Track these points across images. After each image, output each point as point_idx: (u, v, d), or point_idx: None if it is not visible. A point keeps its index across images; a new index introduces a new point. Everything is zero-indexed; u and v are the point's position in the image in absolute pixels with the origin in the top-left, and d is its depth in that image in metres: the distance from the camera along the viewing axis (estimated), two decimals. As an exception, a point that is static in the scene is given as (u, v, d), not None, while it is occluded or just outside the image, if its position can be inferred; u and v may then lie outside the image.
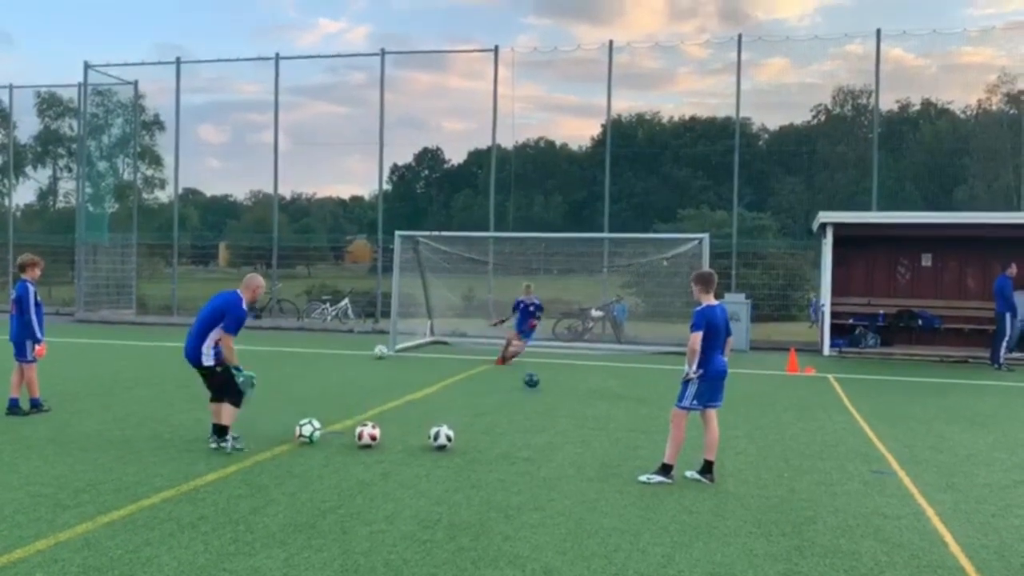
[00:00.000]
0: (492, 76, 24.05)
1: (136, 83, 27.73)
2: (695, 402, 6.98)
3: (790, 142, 45.98)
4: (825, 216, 18.19)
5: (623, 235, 23.17)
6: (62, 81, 53.05)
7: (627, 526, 5.75)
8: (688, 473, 7.01)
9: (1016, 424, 10.04)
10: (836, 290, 18.08)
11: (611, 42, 23.53)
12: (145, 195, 34.60)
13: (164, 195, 35.61)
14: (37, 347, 9.50)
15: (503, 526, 5.68)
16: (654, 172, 53.25)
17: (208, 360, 7.66)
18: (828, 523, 5.91)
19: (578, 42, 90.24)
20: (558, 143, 61.48)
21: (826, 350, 17.66)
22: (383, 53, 24.83)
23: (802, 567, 5.07)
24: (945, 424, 9.89)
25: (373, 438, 7.88)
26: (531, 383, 12.06)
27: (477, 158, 49.12)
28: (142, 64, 27.36)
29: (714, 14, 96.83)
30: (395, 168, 65.23)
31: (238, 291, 7.78)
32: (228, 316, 7.57)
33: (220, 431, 7.65)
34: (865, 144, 31.87)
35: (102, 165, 29.90)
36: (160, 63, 27.23)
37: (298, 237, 36.90)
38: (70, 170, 38.85)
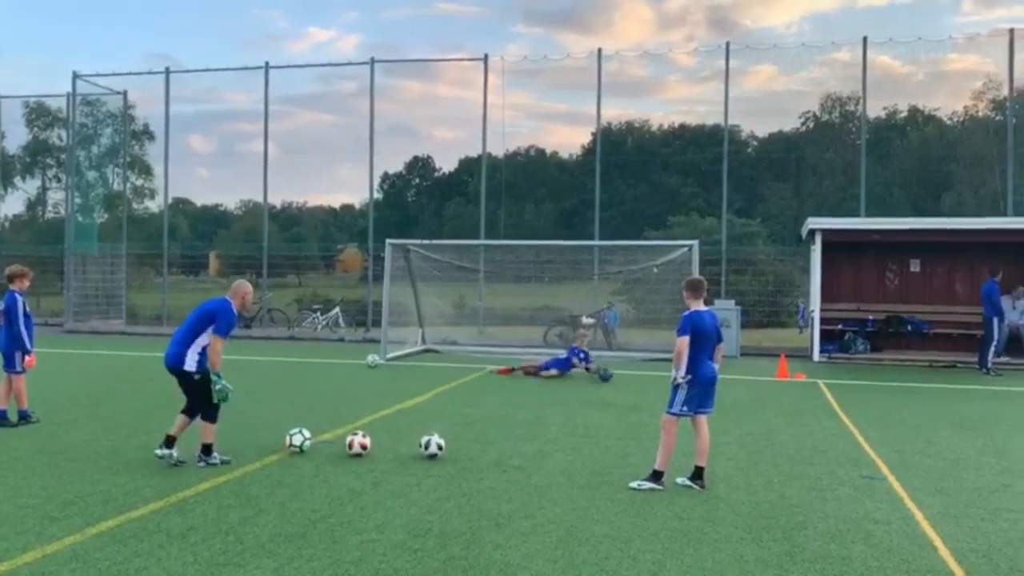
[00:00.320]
0: (482, 84, 24.10)
1: (125, 93, 27.68)
2: (685, 408, 6.99)
3: (779, 149, 46.16)
4: (814, 222, 18.27)
5: (613, 242, 23.20)
6: (51, 91, 52.95)
7: (618, 533, 5.75)
8: (679, 480, 7.02)
9: (1004, 428, 10.09)
10: (825, 296, 18.15)
11: (600, 50, 23.63)
12: (135, 205, 34.41)
13: (154, 205, 35.45)
14: (27, 358, 9.45)
15: (494, 534, 5.67)
16: (644, 179, 53.38)
17: (190, 365, 7.47)
18: (818, 528, 5.92)
19: (567, 51, 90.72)
20: (548, 151, 61.65)
21: (816, 356, 17.72)
22: (372, 62, 24.86)
23: (793, 573, 5.08)
24: (934, 429, 9.94)
25: (364, 447, 7.87)
26: (605, 377, 13.25)
27: (468, 166, 49.16)
28: (131, 74, 27.43)
29: (702, 22, 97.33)
30: (386, 176, 65.21)
31: (227, 298, 7.74)
32: (219, 319, 7.48)
33: (206, 449, 7.52)
34: (853, 150, 32.05)
35: (91, 175, 29.81)
36: (149, 73, 27.32)
37: (289, 246, 36.82)
38: (59, 180, 38.66)
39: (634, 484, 6.92)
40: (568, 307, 22.62)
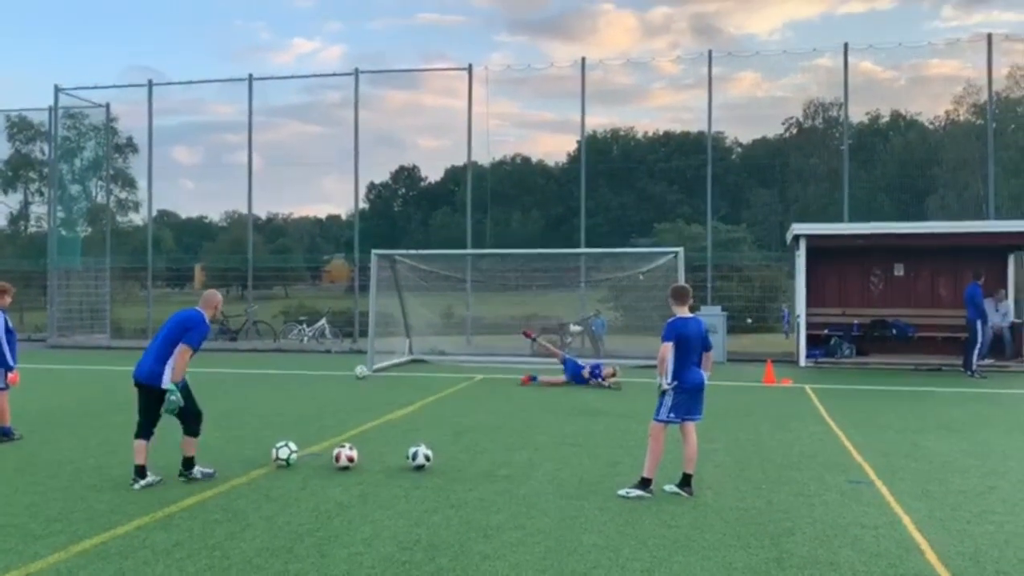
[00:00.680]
0: (467, 94, 24.15)
1: (108, 106, 27.54)
2: (672, 415, 7.00)
3: (763, 155, 46.44)
4: (798, 228, 18.37)
5: (600, 250, 23.25)
6: (33, 105, 52.60)
7: (607, 542, 5.74)
8: (667, 487, 7.02)
9: (989, 431, 10.15)
10: (811, 301, 18.25)
11: (584, 59, 23.74)
12: (119, 218, 34.22)
13: (138, 218, 35.26)
14: (9, 375, 9.37)
15: (482, 545, 5.65)
16: (630, 187, 53.56)
17: (167, 383, 7.24)
18: (806, 534, 5.93)
19: (551, 59, 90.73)
20: (534, 159, 61.84)
21: (802, 361, 17.79)
22: (357, 72, 24.85)
23: (781, 579, 5.08)
24: (920, 432, 9.98)
25: (351, 459, 7.83)
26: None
27: (454, 175, 49.18)
28: (114, 87, 27.30)
29: (686, 30, 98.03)
30: (372, 187, 65.20)
31: (198, 308, 7.63)
32: (193, 331, 7.29)
33: (188, 463, 7.42)
34: (836, 156, 32.26)
35: (74, 188, 29.63)
36: (132, 85, 27.16)
37: (274, 258, 36.69)
38: (42, 194, 38.41)
39: (622, 492, 6.91)
40: (556, 315, 22.64)
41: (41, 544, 5.65)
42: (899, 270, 18.98)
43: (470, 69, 24.24)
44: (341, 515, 6.35)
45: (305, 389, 14.33)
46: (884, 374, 16.48)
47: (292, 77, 27.99)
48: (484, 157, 29.09)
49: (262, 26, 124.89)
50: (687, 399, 7.02)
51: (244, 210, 27.10)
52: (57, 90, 26.55)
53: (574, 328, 21.02)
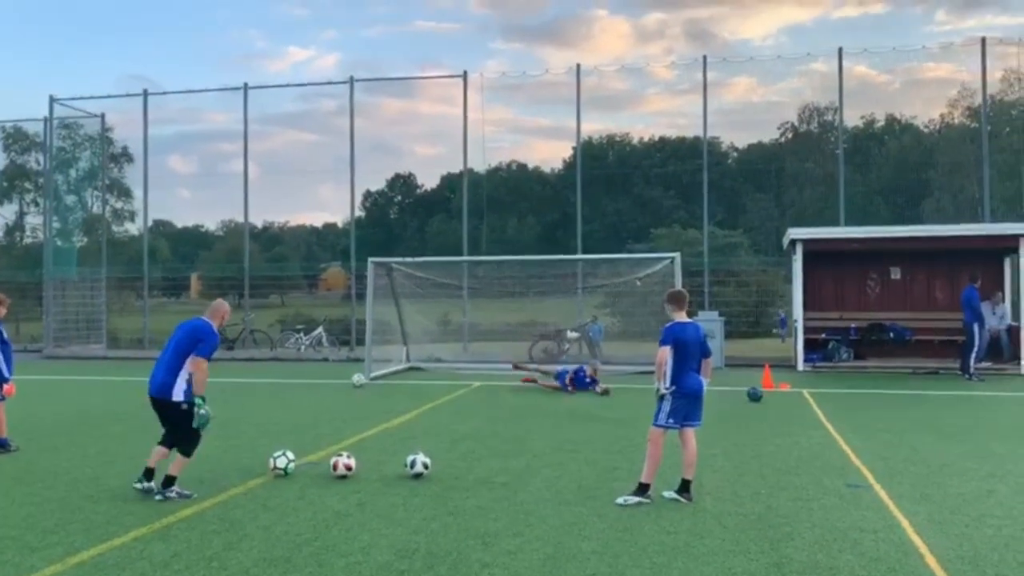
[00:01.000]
0: (462, 101, 24.20)
1: (103, 116, 27.56)
2: (671, 420, 6.98)
3: (758, 160, 46.53)
4: (794, 232, 18.39)
5: (596, 256, 23.26)
6: (27, 115, 52.56)
7: (605, 549, 5.72)
8: (666, 493, 7.00)
9: (987, 434, 10.15)
10: (808, 305, 18.26)
11: (579, 65, 23.78)
12: (114, 228, 34.22)
13: (134, 227, 35.26)
14: (5, 386, 9.34)
15: (481, 553, 5.63)
16: (626, 192, 53.66)
17: (178, 395, 7.19)
18: (806, 539, 5.92)
19: (546, 66, 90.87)
20: (530, 165, 61.95)
21: (800, 365, 17.79)
22: (352, 81, 24.89)
23: (780, 584, 5.07)
24: (918, 435, 9.98)
25: (348, 468, 7.80)
26: (755, 396, 12.84)
27: (450, 182, 49.27)
28: (109, 97, 27.25)
29: (681, 35, 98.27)
30: (368, 194, 65.22)
31: (205, 318, 7.59)
32: (203, 342, 7.27)
33: (168, 481, 7.15)
34: (832, 160, 32.33)
35: (70, 199, 29.59)
36: (127, 95, 27.08)
37: (271, 266, 36.72)
38: (37, 205, 38.41)
39: (620, 500, 6.89)
40: (553, 321, 22.62)
41: (38, 556, 5.62)
42: (896, 273, 19.00)
43: (465, 76, 24.30)
44: (339, 524, 6.33)
45: (302, 398, 14.31)
46: (882, 378, 16.49)
47: (288, 86, 28.45)
48: (480, 164, 29.15)
49: (257, 35, 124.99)
50: (685, 404, 7.01)
51: (240, 219, 27.14)
52: (52, 100, 26.54)
53: (571, 335, 21.01)
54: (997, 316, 17.46)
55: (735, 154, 51.90)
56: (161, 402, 7.26)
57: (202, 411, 7.13)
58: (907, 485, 7.48)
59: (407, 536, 6.01)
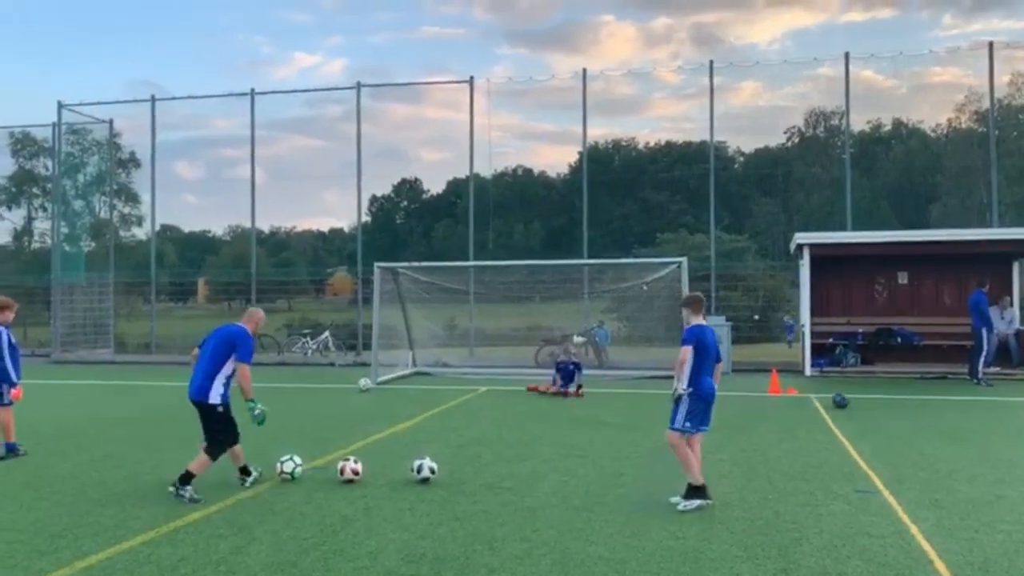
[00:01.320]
0: (468, 106, 24.21)
1: (111, 121, 27.68)
2: (688, 424, 6.92)
3: (765, 164, 46.50)
4: (801, 237, 18.35)
5: (602, 261, 23.25)
6: (36, 121, 52.80)
7: (613, 555, 5.71)
8: (673, 499, 6.98)
9: (996, 439, 10.10)
10: (815, 310, 18.21)
11: (585, 70, 23.81)
12: (122, 233, 34.36)
13: (141, 232, 35.41)
14: (13, 390, 9.37)
15: (488, 558, 5.62)
16: (632, 197, 53.69)
17: (214, 398, 7.47)
18: (814, 544, 5.90)
19: (552, 71, 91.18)
20: (536, 170, 62.09)
21: (807, 370, 17.74)
22: (359, 86, 24.94)
23: (789, 590, 5.05)
24: (927, 441, 9.94)
25: (355, 473, 7.81)
26: (840, 403, 12.57)
27: (456, 187, 49.31)
28: (116, 102, 27.35)
29: (687, 40, 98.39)
30: (374, 199, 65.43)
31: (242, 324, 7.80)
32: (240, 346, 7.58)
33: (186, 478, 7.22)
34: (839, 165, 32.29)
35: (78, 204, 29.73)
36: (135, 101, 27.28)
37: (277, 271, 36.79)
38: (45, 209, 38.57)
39: (680, 506, 6.77)
40: (559, 326, 22.61)
41: (47, 560, 5.64)
42: (903, 278, 18.93)
43: (471, 81, 24.32)
44: (346, 529, 6.33)
45: (308, 402, 14.31)
46: (889, 383, 16.42)
47: (294, 91, 28.14)
48: (486, 169, 29.23)
49: (263, 40, 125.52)
50: (703, 408, 6.98)
51: (247, 224, 27.20)
52: (60, 106, 26.68)
53: (577, 339, 20.97)
54: (1005, 321, 17.39)
55: (742, 159, 51.94)
56: (199, 404, 7.58)
57: (256, 411, 7.50)
58: (916, 490, 7.44)
59: (414, 541, 6.01)
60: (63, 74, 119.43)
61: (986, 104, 23.29)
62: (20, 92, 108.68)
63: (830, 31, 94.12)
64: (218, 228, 53.10)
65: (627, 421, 11.61)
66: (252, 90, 25.35)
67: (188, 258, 45.53)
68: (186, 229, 50.42)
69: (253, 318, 7.96)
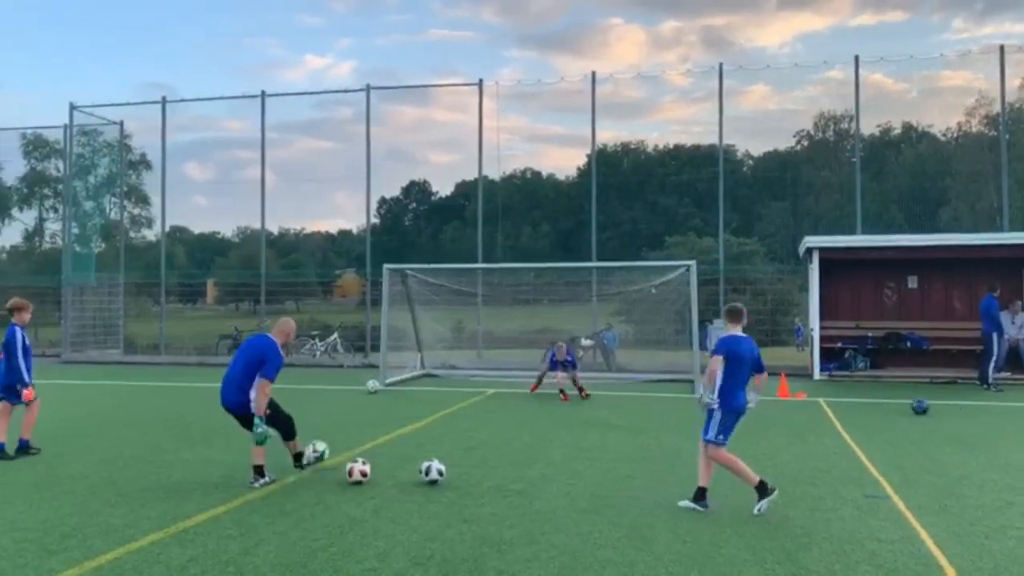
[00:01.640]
0: (477, 109, 24.27)
1: (122, 123, 27.81)
2: (721, 436, 6.88)
3: (774, 168, 46.42)
4: (811, 241, 18.31)
5: (611, 264, 23.25)
6: (48, 122, 53.14)
7: (621, 558, 5.70)
8: (682, 503, 6.97)
9: (1006, 444, 10.05)
10: (825, 314, 18.16)
11: (594, 73, 23.83)
12: (132, 234, 34.59)
13: (151, 233, 35.65)
14: (25, 391, 9.42)
15: (496, 561, 5.62)
16: (641, 200, 53.63)
17: (255, 409, 7.75)
18: (823, 549, 5.88)
19: (561, 74, 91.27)
20: (544, 173, 62.11)
21: (817, 374, 17.69)
22: (368, 88, 25.02)
23: (798, 595, 5.03)
24: (936, 446, 9.90)
25: (364, 474, 7.82)
26: (920, 409, 12.49)
27: (464, 189, 49.41)
28: (128, 104, 27.45)
29: (696, 43, 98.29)
30: (383, 201, 65.57)
31: (270, 335, 7.82)
32: (268, 363, 7.70)
33: (297, 457, 8.25)
34: (848, 168, 32.22)
35: (88, 205, 29.89)
36: (146, 103, 27.32)
37: (286, 273, 36.86)
38: (56, 211, 38.84)
39: (755, 510, 6.71)
40: (567, 329, 22.61)
41: (56, 559, 5.66)
42: (913, 282, 18.86)
43: (480, 84, 24.38)
44: (355, 530, 6.34)
45: (317, 404, 14.34)
46: (899, 387, 16.35)
47: (304, 93, 28.18)
48: (494, 171, 29.29)
49: (273, 43, 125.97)
50: (735, 421, 6.94)
51: (256, 225, 27.26)
52: (72, 108, 26.84)
53: (585, 342, 20.99)
54: (1016, 326, 17.30)
55: (751, 162, 51.79)
56: (239, 415, 7.91)
57: (259, 430, 7.69)
58: (925, 496, 7.41)
59: (422, 543, 6.02)
60: (75, 76, 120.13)
61: (997, 108, 23.21)
62: (33, 94, 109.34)
63: (840, 34, 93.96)
64: (227, 229, 53.31)
65: (636, 424, 11.60)
66: (262, 92, 25.47)
67: (197, 259, 45.71)
68: (196, 230, 50.66)
69: (283, 329, 8.05)
